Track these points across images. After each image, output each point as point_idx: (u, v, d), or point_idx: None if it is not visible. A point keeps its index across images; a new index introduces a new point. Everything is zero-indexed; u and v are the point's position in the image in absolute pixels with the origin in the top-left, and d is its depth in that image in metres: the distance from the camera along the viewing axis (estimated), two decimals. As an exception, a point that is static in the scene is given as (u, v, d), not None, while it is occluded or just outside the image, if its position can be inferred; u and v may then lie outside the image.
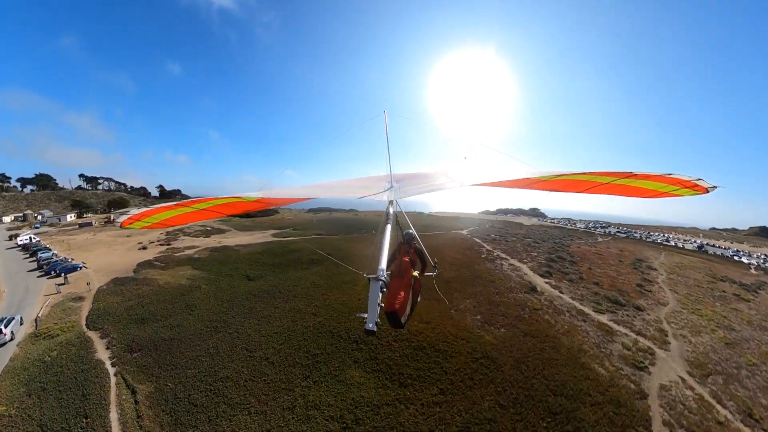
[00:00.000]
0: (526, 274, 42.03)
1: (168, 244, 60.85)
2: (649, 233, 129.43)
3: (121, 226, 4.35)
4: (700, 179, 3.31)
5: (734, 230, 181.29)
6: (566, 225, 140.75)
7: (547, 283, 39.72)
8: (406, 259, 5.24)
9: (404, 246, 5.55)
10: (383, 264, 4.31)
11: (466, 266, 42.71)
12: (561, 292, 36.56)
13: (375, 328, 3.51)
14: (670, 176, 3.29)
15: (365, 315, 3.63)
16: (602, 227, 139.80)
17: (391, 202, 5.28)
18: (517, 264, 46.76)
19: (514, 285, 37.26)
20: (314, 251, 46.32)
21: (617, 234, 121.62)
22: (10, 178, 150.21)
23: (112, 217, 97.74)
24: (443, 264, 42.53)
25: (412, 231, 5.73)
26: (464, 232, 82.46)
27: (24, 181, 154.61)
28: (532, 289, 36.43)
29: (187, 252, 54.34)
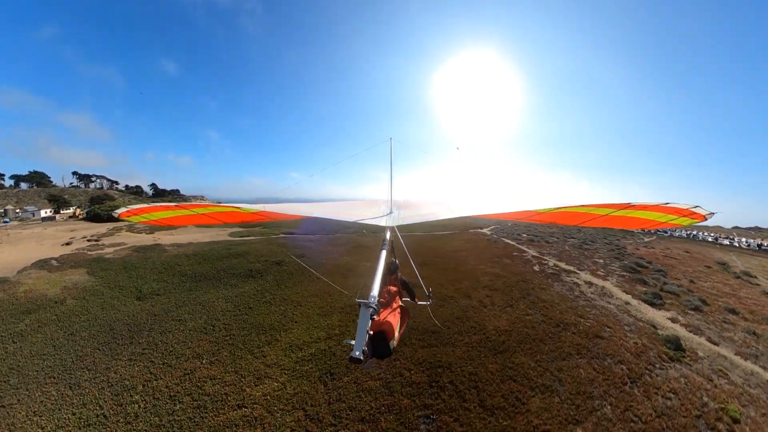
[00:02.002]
0: (628, 303, 22.64)
1: (97, 241, 44.69)
2: (690, 231, 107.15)
3: (119, 217, 3.92)
4: (696, 206, 3.09)
5: (758, 228, 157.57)
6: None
7: (671, 320, 20.38)
8: (394, 288, 4.73)
9: (389, 276, 4.92)
10: (375, 290, 3.44)
11: (521, 292, 23.42)
12: (712, 342, 17.59)
13: (362, 357, 2.92)
14: (667, 206, 3.12)
15: (353, 342, 3.03)
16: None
17: (388, 229, 4.65)
18: (595, 281, 27.50)
19: (636, 339, 17.31)
20: (262, 257, 29.11)
21: (660, 233, 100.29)
22: (3, 174, 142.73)
23: (77, 212, 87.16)
24: (476, 291, 23.81)
25: (397, 261, 5.25)
26: (486, 231, 63.28)
27: (18, 179, 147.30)
28: (675, 345, 16.78)
29: (107, 250, 38.09)
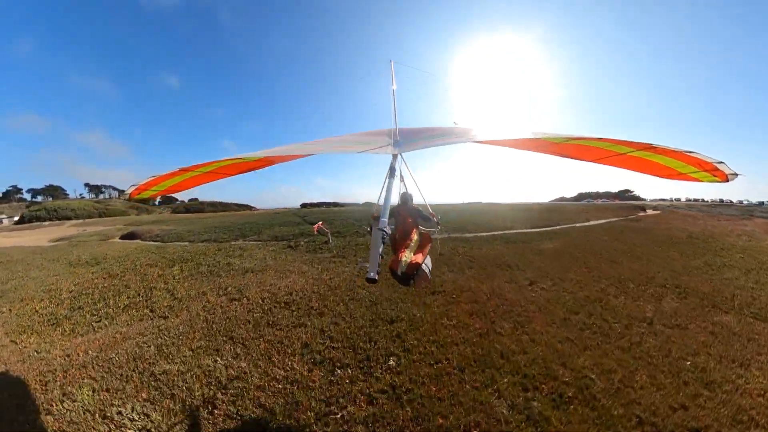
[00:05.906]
0: None
1: None
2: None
3: (129, 198, 3.61)
4: (721, 162, 2.48)
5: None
6: (703, 203, 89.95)
7: None
8: (409, 219, 4.43)
9: (402, 207, 4.62)
10: (386, 216, 3.39)
11: None
12: None
13: (376, 277, 2.96)
14: (691, 154, 2.51)
15: (368, 264, 3.09)
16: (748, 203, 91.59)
17: (395, 157, 4.10)
18: None
19: None
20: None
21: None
22: (21, 189, 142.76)
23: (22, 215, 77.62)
24: None
25: (410, 193, 4.85)
26: (651, 211, 34.43)
27: (35, 192, 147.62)
28: None
29: None
